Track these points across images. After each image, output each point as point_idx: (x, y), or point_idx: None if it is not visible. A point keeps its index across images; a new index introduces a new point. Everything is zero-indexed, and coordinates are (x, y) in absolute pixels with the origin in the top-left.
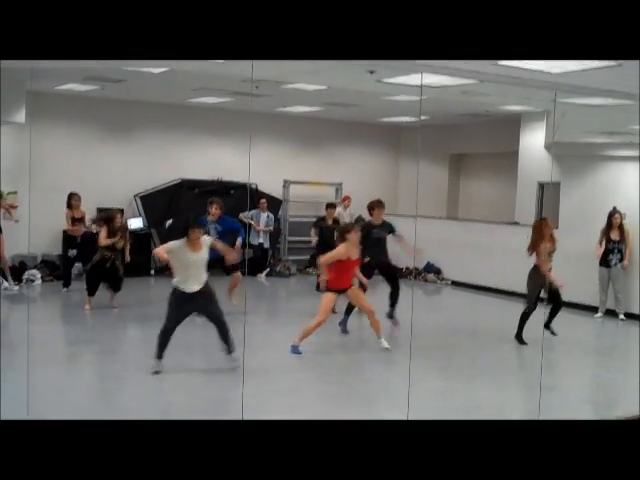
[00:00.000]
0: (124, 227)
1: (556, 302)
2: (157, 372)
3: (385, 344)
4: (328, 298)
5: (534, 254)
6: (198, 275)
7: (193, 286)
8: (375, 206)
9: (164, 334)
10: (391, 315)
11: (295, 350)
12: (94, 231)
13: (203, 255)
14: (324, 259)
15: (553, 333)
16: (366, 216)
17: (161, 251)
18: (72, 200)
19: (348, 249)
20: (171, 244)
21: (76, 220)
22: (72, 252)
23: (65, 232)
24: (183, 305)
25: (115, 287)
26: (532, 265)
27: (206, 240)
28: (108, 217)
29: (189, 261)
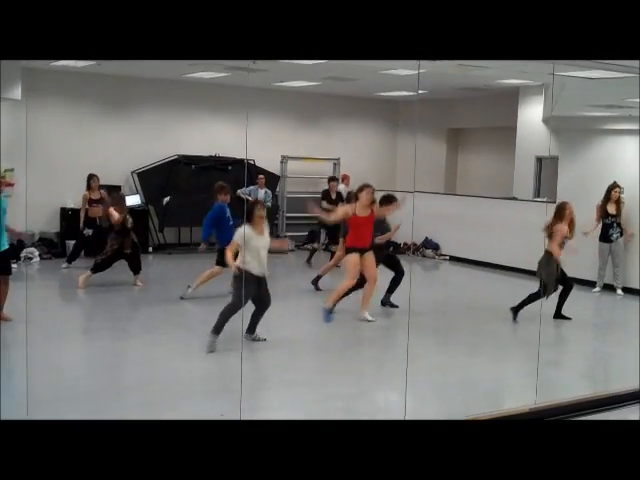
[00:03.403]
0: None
1: (565, 288)
2: (212, 351)
3: (368, 317)
4: (350, 259)
5: (549, 237)
6: (264, 261)
7: (261, 271)
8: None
9: (229, 312)
10: (385, 302)
11: (327, 315)
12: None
13: (267, 238)
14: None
15: (566, 318)
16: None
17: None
18: (91, 182)
19: (352, 208)
20: (237, 233)
21: (94, 201)
22: (87, 231)
23: (64, 209)
24: (252, 285)
25: (135, 269)
26: (544, 251)
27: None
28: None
29: (256, 245)
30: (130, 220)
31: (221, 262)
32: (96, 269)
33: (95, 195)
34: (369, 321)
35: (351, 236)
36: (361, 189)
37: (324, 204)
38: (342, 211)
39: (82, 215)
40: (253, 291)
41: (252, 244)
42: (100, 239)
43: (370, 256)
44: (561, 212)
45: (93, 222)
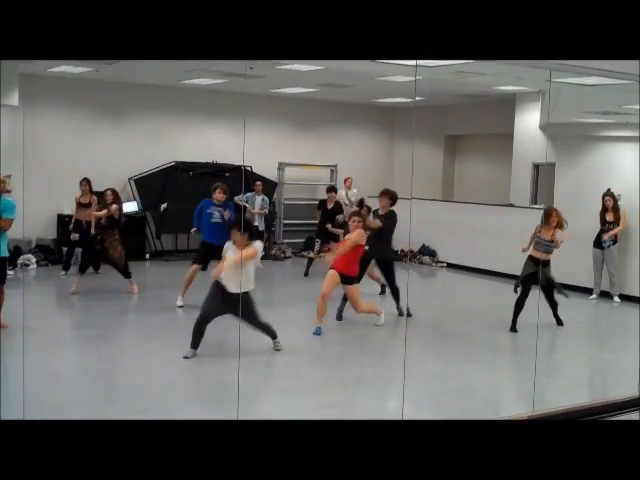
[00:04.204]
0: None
1: (549, 294)
2: (187, 357)
3: (377, 322)
4: (330, 275)
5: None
6: (238, 279)
7: (234, 288)
8: (379, 195)
9: (198, 324)
10: (401, 312)
11: (317, 331)
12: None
13: (239, 253)
14: (342, 249)
15: (560, 323)
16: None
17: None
18: (80, 185)
19: (362, 235)
20: (226, 246)
21: (82, 205)
22: (74, 236)
23: (61, 216)
24: (220, 301)
25: (122, 273)
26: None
27: (257, 247)
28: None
29: (230, 262)
30: (106, 219)
31: (197, 260)
32: (80, 268)
33: (84, 199)
34: (377, 325)
35: (342, 260)
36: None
37: (319, 214)
38: (355, 238)
39: (73, 219)
40: (221, 307)
41: (228, 257)
42: (86, 243)
43: (351, 289)
44: (546, 218)
45: (80, 226)
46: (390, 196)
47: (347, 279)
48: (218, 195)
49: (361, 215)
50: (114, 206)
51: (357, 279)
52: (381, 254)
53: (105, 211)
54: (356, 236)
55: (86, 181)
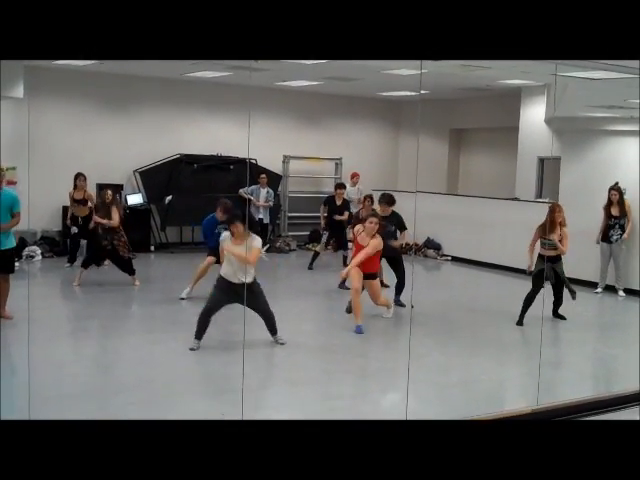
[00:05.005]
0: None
1: (558, 290)
2: (193, 349)
3: (384, 314)
4: (351, 275)
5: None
6: (241, 269)
7: (235, 278)
8: (379, 201)
9: (204, 315)
10: (397, 301)
11: (359, 328)
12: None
13: (243, 248)
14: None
15: (562, 318)
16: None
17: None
18: (76, 180)
19: (358, 231)
20: (223, 236)
21: (76, 201)
22: (74, 229)
23: (66, 208)
24: (226, 292)
25: (122, 269)
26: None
27: (255, 241)
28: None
29: (230, 255)
30: (98, 220)
31: (212, 254)
32: (84, 263)
33: (78, 195)
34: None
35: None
36: (366, 219)
37: (325, 209)
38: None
39: (69, 213)
40: (229, 297)
41: (230, 250)
42: (86, 235)
43: (373, 284)
44: (551, 214)
45: (77, 221)
46: (386, 202)
47: (370, 275)
48: (218, 214)
49: (377, 216)
50: (116, 216)
51: (378, 274)
52: (391, 252)
53: (106, 221)
54: (377, 244)
55: (82, 177)
